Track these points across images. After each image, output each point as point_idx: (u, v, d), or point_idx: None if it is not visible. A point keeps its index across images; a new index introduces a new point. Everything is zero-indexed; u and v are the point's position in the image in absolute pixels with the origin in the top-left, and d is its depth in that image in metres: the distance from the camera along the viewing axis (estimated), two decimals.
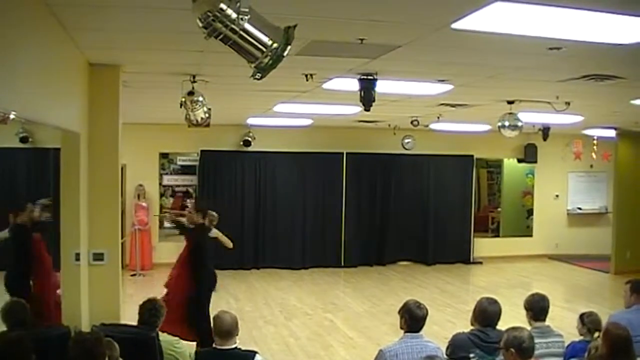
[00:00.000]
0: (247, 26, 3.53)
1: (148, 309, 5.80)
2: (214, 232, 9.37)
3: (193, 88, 7.70)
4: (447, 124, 14.11)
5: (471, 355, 5.28)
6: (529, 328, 5.18)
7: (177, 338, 6.00)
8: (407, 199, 17.51)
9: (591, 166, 18.70)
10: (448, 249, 17.62)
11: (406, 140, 17.15)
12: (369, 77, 7.42)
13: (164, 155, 16.56)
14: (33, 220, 8.62)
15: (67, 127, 6.05)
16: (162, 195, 16.58)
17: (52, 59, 5.16)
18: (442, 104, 10.52)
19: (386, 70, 7.18)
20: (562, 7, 4.25)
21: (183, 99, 7.67)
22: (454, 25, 4.82)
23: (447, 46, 5.82)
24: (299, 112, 11.87)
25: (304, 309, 11.75)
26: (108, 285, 6.98)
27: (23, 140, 13.80)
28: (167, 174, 16.72)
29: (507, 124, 9.83)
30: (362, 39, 5.52)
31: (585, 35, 5.07)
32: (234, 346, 5.11)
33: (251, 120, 14.64)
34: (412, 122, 13.70)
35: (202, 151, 16.13)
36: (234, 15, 3.43)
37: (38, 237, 8.45)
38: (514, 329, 4.80)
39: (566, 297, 13.75)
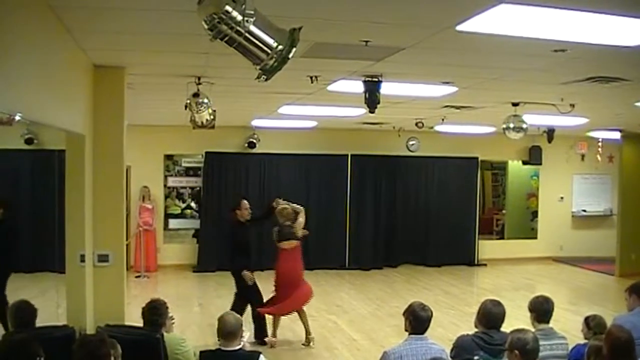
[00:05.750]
0: (253, 28, 3.54)
1: (149, 308, 5.80)
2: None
3: (198, 90, 7.71)
4: (452, 126, 14.11)
5: (475, 357, 5.27)
6: (532, 330, 5.17)
7: (182, 338, 6.01)
8: (411, 200, 17.53)
9: (596, 168, 18.68)
10: (452, 251, 17.60)
11: (411, 142, 17.17)
12: (374, 79, 7.43)
13: (168, 157, 16.57)
14: None
15: (72, 129, 6.07)
16: (166, 196, 16.59)
17: (56, 61, 5.18)
18: (446, 106, 10.53)
19: (391, 72, 7.19)
20: (567, 9, 4.25)
21: (188, 101, 7.68)
22: (459, 27, 4.82)
23: (452, 48, 5.82)
24: (303, 114, 11.87)
25: (308, 311, 11.65)
26: (113, 286, 7.01)
27: (28, 142, 13.83)
28: (171, 175, 16.71)
29: (512, 126, 9.83)
30: (366, 41, 5.52)
31: (590, 37, 5.07)
32: (238, 347, 5.12)
33: (256, 122, 14.66)
34: (416, 124, 13.72)
35: (206, 153, 16.14)
36: (239, 18, 3.44)
37: None
38: (518, 330, 4.80)
39: (570, 300, 13.72)
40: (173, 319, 6.07)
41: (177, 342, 5.80)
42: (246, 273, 9.61)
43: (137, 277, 14.77)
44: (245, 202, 10.07)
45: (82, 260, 6.50)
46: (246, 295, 9.69)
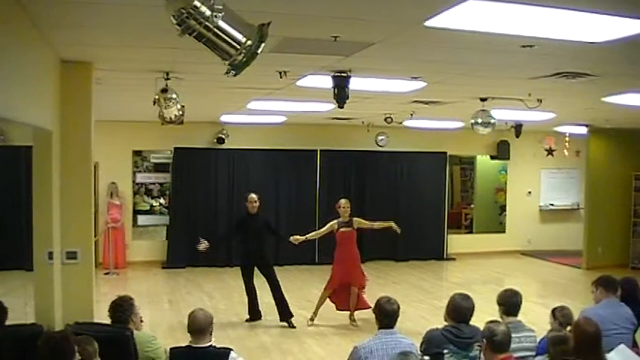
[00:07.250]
0: (221, 23, 3.53)
1: (113, 306, 5.78)
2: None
3: (166, 85, 7.67)
4: (421, 121, 14.15)
5: (445, 351, 5.32)
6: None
7: (153, 336, 5.98)
8: (380, 195, 17.55)
9: (563, 163, 18.85)
10: (422, 245, 17.67)
11: (380, 138, 17.22)
12: (343, 75, 7.43)
13: (137, 153, 16.48)
14: None
15: (39, 125, 5.99)
16: (135, 193, 16.49)
17: (23, 56, 5.11)
18: (415, 101, 10.57)
19: (360, 68, 7.20)
20: (534, 5, 4.29)
21: (156, 97, 7.63)
22: (428, 23, 4.84)
23: (421, 43, 5.85)
24: (272, 109, 11.88)
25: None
26: (81, 284, 6.95)
27: None
28: (140, 171, 16.64)
29: (480, 121, 9.88)
30: (335, 37, 5.53)
31: (558, 33, 5.11)
32: (208, 344, 5.12)
33: (225, 118, 14.60)
34: (385, 119, 13.74)
35: (175, 149, 16.06)
36: (208, 13, 3.43)
37: None
38: (492, 321, 4.90)
39: (539, 293, 13.87)
40: (142, 319, 6.04)
41: (147, 339, 5.78)
42: (294, 238, 11.23)
43: (106, 274, 14.65)
44: (253, 195, 11.09)
45: (51, 258, 6.42)
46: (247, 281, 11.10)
